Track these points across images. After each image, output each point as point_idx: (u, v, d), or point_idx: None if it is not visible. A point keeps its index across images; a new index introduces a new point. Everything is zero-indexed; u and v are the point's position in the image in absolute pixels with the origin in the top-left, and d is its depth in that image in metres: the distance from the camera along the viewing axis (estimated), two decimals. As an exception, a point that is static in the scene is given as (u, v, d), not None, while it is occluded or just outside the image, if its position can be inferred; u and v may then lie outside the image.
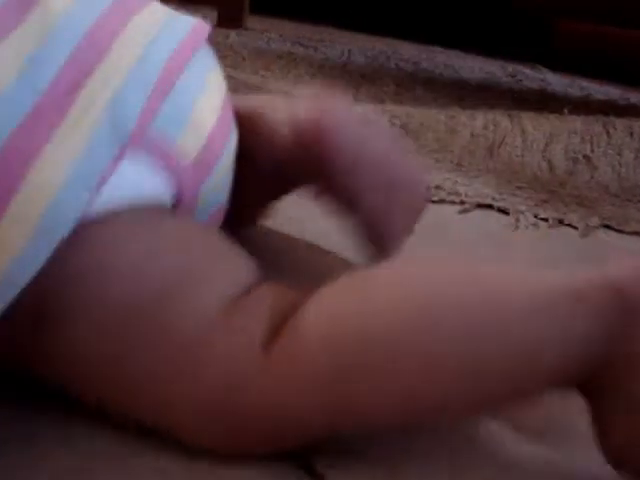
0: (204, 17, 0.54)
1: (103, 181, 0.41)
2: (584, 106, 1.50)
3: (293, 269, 0.66)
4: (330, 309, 0.44)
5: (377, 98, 1.40)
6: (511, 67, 2.10)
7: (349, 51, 1.91)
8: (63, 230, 0.40)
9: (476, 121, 1.15)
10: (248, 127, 0.56)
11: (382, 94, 1.45)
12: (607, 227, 0.93)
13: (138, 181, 0.44)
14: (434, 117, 1.15)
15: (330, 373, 0.41)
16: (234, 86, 1.34)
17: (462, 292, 0.42)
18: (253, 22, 2.13)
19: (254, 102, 0.62)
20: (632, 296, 0.41)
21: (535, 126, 1.18)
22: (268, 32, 2.03)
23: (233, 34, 1.90)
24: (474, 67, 2.01)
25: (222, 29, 1.97)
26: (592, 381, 0.42)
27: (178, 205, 0.48)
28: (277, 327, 0.43)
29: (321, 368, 0.41)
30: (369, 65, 1.78)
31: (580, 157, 1.15)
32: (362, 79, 1.58)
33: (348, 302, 0.44)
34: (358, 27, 2.31)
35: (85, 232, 0.41)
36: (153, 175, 0.45)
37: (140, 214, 0.44)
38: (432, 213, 0.92)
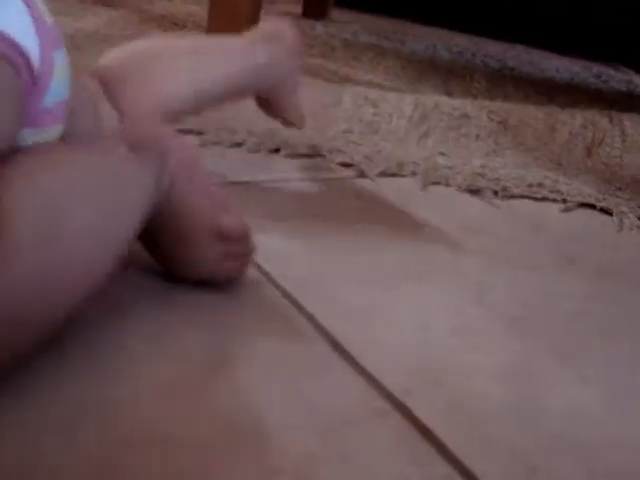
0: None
1: None
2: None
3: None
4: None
5: (469, 93, 1.39)
6: (595, 67, 2.07)
7: (434, 46, 1.90)
8: None
9: (575, 120, 1.13)
10: None
11: (473, 90, 1.44)
12: None
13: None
14: (532, 114, 1.14)
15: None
16: (326, 75, 1.36)
17: None
18: (336, 14, 2.13)
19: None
20: None
21: (635, 127, 1.16)
22: (352, 24, 2.04)
23: (319, 25, 1.91)
24: (559, 67, 1.99)
25: (307, 20, 1.99)
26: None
27: (36, 80, 0.48)
28: None
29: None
30: (455, 60, 1.77)
31: (680, 161, 1.13)
32: (450, 74, 1.57)
33: None
34: (439, 23, 2.30)
35: None
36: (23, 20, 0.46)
37: None
38: (534, 210, 0.92)
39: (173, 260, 0.59)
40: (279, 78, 0.84)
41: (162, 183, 0.55)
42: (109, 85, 0.70)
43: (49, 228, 0.43)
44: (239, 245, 0.60)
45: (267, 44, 0.83)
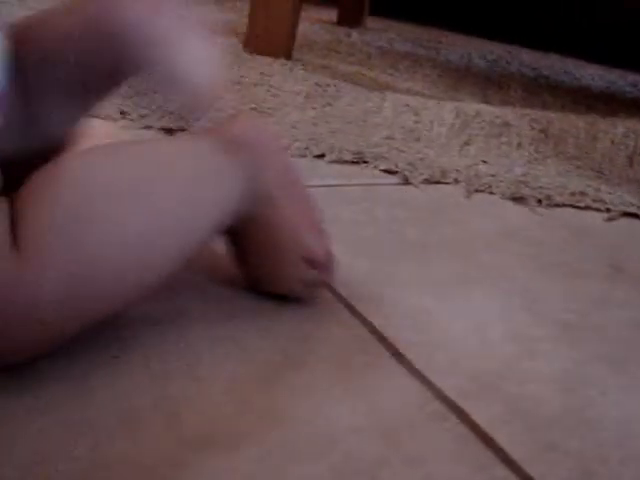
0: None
1: None
2: None
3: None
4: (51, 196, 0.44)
5: (507, 102, 1.39)
6: (630, 76, 2.06)
7: (469, 54, 1.90)
8: None
9: (617, 129, 1.13)
10: None
11: (510, 98, 1.44)
12: None
13: None
14: (573, 123, 1.14)
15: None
16: (366, 83, 1.37)
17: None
18: (371, 22, 2.14)
19: None
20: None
21: (676, 137, 1.15)
22: (387, 32, 2.04)
23: (354, 33, 1.92)
24: (594, 75, 1.98)
25: (343, 27, 1.99)
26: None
27: None
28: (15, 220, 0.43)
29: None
30: (491, 69, 1.77)
31: None
32: (487, 82, 1.57)
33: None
34: (472, 31, 2.30)
35: None
36: None
37: None
38: (578, 218, 0.92)
39: (255, 269, 0.57)
40: None
41: (256, 189, 0.53)
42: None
43: (77, 237, 0.44)
44: (321, 272, 0.58)
45: None
